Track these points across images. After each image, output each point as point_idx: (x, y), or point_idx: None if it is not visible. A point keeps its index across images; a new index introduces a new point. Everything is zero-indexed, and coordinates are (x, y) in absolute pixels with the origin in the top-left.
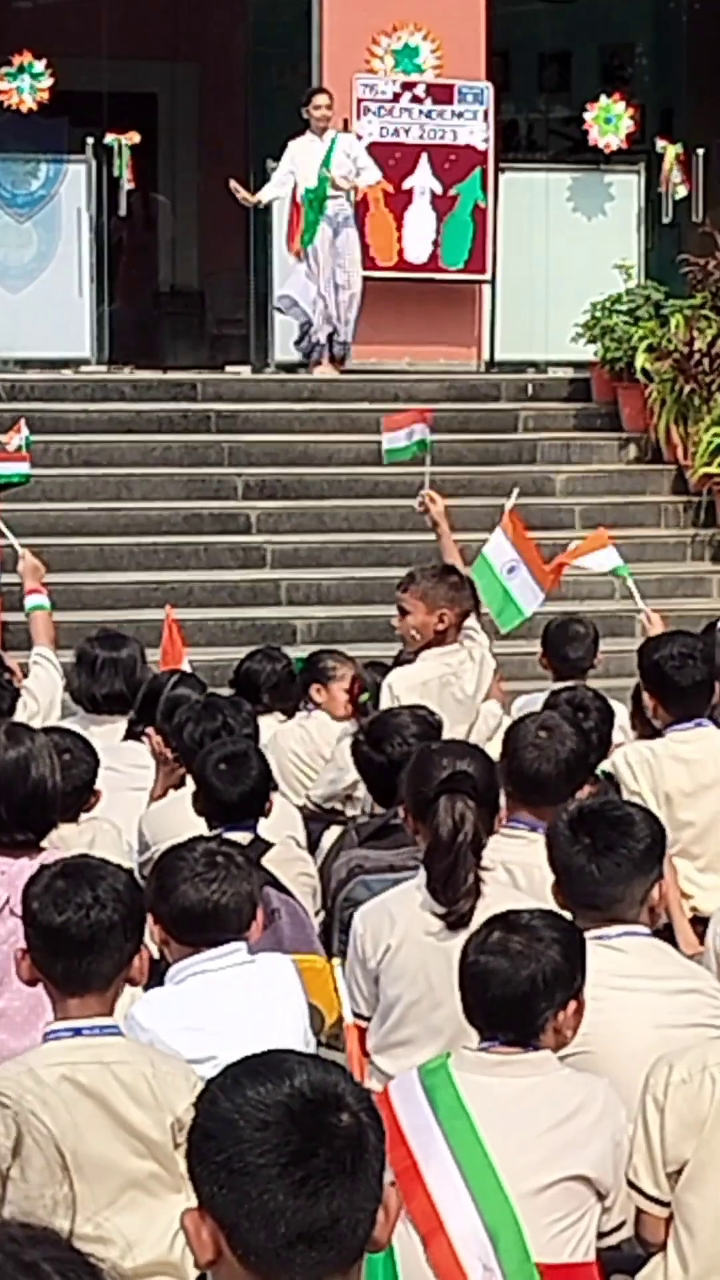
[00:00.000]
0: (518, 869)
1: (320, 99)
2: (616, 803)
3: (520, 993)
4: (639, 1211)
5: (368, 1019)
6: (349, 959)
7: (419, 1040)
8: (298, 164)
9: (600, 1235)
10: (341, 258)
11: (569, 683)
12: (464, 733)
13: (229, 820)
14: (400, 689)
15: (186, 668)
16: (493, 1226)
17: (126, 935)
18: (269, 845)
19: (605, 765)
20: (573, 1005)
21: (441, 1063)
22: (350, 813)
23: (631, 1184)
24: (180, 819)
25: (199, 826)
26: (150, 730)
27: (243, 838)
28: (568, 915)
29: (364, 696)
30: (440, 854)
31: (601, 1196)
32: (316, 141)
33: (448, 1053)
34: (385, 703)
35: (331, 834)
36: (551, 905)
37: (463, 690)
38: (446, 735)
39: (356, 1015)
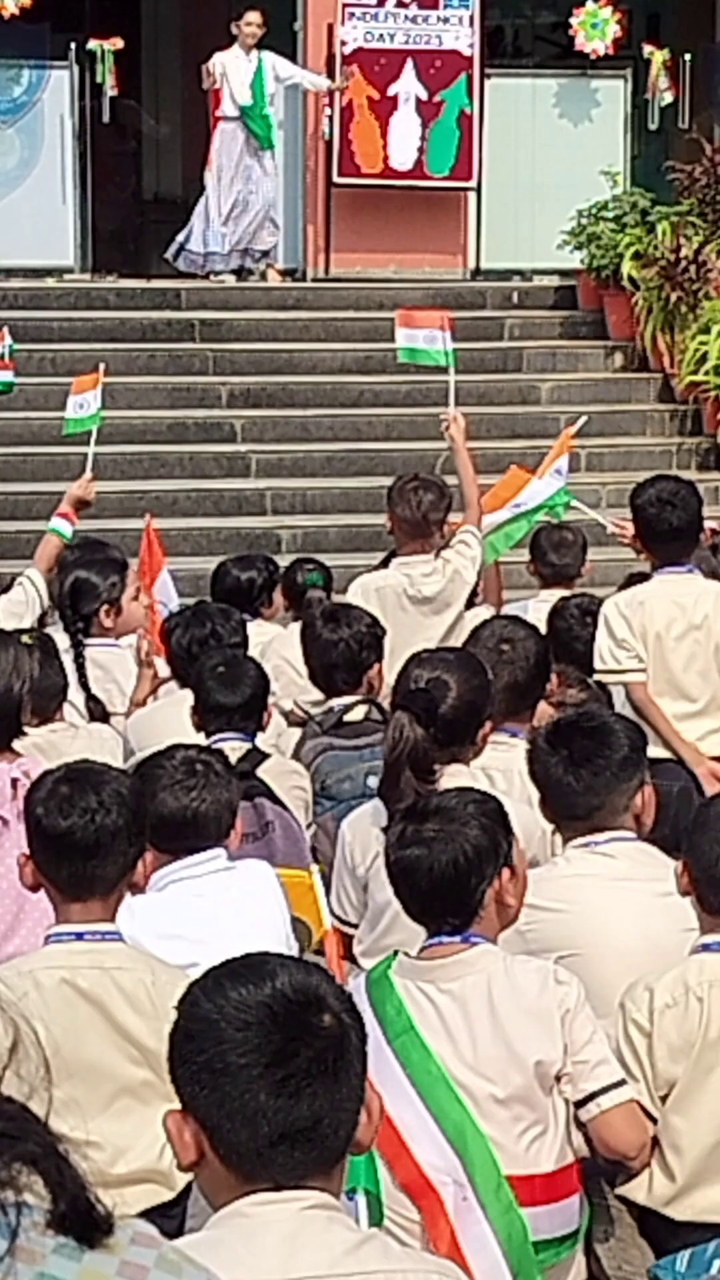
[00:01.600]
0: (498, 774)
1: (253, 15)
2: (593, 713)
3: (445, 877)
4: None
5: (352, 925)
6: (336, 865)
7: (409, 944)
8: (229, 76)
9: (591, 1098)
10: (251, 179)
11: (554, 592)
12: (432, 639)
13: (226, 728)
14: (354, 594)
15: (167, 579)
16: (456, 1140)
17: (130, 840)
18: (265, 756)
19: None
20: (506, 873)
21: (384, 969)
22: None
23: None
24: (167, 725)
25: (186, 732)
26: (141, 631)
27: (239, 748)
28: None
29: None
30: (386, 769)
31: (559, 1078)
32: (244, 59)
33: (393, 954)
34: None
35: (294, 733)
36: (529, 806)
37: (421, 597)
38: (400, 644)
39: (340, 921)
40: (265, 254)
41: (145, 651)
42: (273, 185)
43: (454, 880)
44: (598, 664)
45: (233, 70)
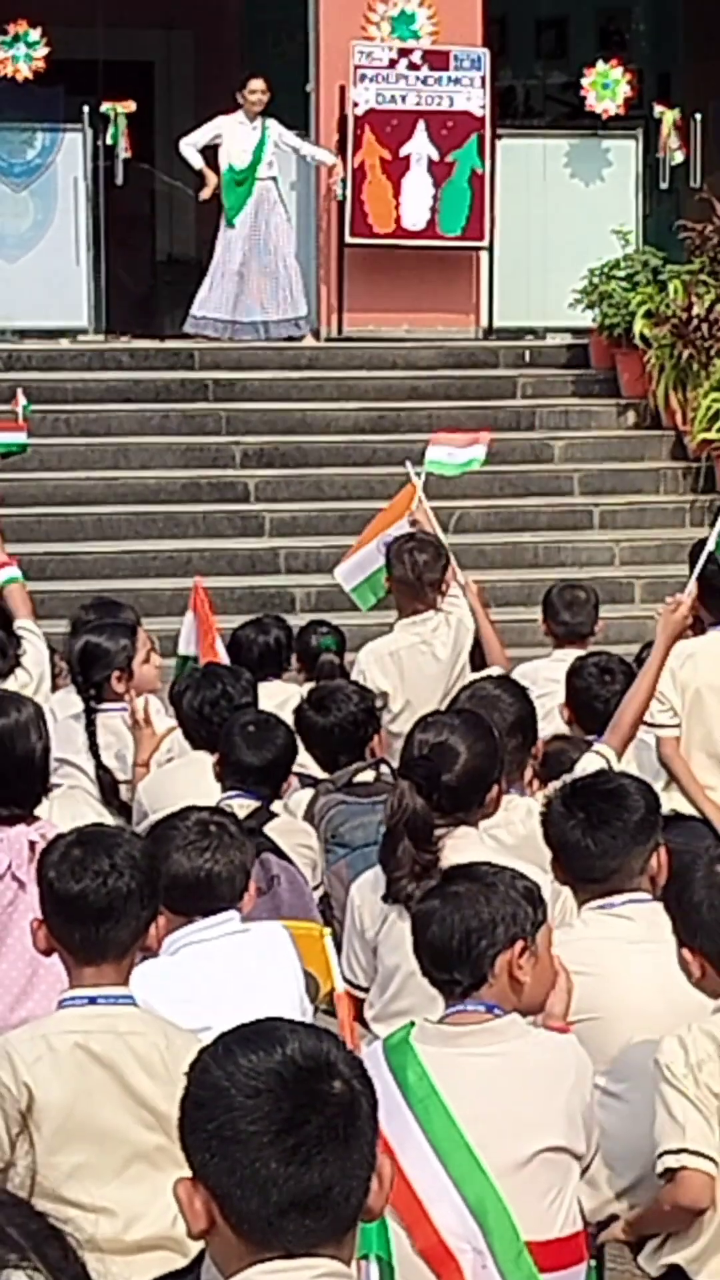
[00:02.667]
0: (501, 831)
1: (256, 84)
2: (609, 775)
3: (460, 930)
4: (678, 1177)
5: (363, 989)
6: (346, 929)
7: (418, 1009)
8: (225, 141)
9: (593, 1221)
10: (268, 241)
11: (567, 651)
12: (450, 691)
13: (241, 786)
14: (367, 661)
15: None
16: (477, 1208)
17: (143, 903)
18: (273, 814)
19: None
20: (520, 945)
21: (404, 1036)
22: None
23: (674, 1151)
24: (181, 787)
25: (200, 795)
26: (131, 695)
27: (247, 805)
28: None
29: (327, 655)
30: (385, 838)
31: (578, 1158)
32: (247, 125)
33: (410, 1023)
34: (355, 675)
35: (305, 794)
36: (538, 859)
37: (435, 656)
38: (423, 704)
39: (351, 985)
40: (208, 320)
41: (143, 712)
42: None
43: (466, 934)
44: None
45: (232, 135)
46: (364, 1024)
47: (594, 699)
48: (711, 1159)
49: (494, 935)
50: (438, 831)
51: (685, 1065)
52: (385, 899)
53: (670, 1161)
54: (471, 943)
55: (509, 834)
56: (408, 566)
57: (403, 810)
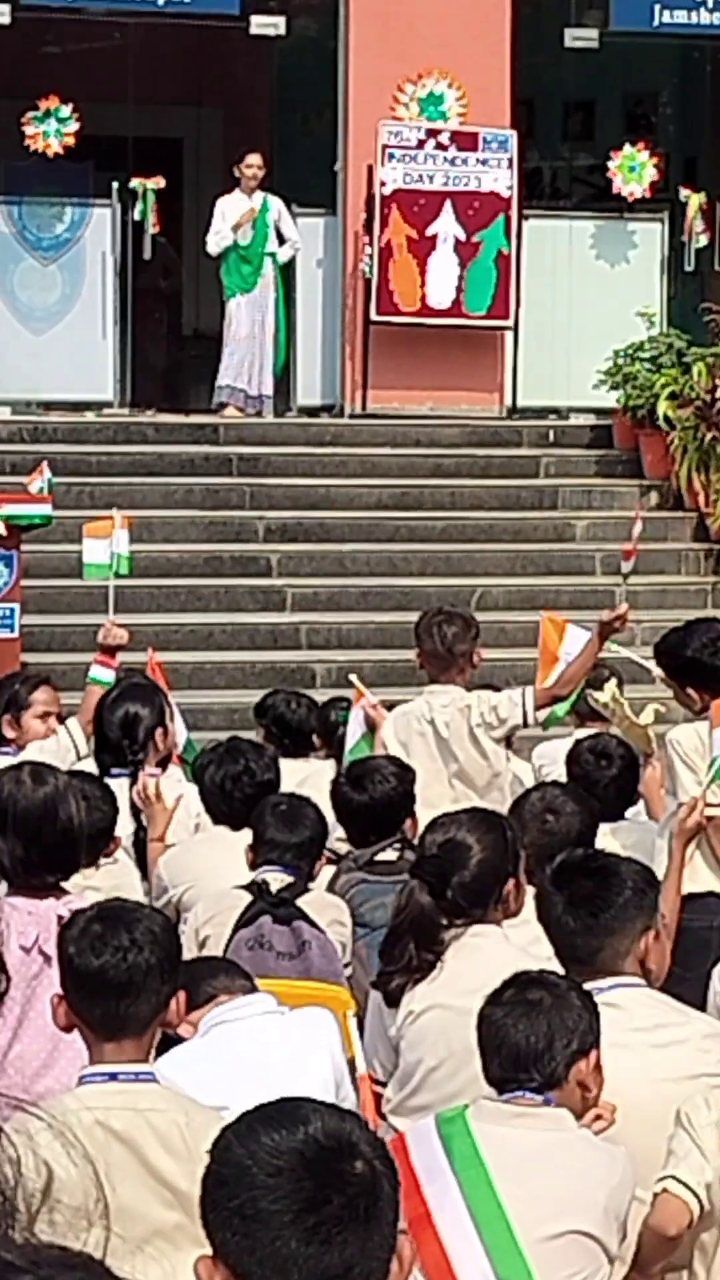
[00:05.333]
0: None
1: (253, 158)
2: (598, 854)
3: (541, 1034)
4: (657, 1200)
5: (381, 1083)
6: (368, 1023)
7: (437, 1106)
8: (227, 220)
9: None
10: (265, 314)
11: (592, 730)
12: (451, 775)
13: (277, 862)
14: (386, 724)
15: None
16: (505, 1278)
17: (163, 978)
18: (307, 889)
19: (670, 732)
20: (594, 1055)
21: (459, 1112)
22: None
23: (663, 1178)
24: (201, 862)
25: (221, 869)
26: (145, 770)
27: (282, 879)
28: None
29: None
30: (390, 933)
31: (608, 1255)
32: (246, 200)
33: (466, 1104)
34: (374, 745)
35: (327, 871)
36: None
37: (437, 729)
38: (430, 777)
39: (373, 1078)
40: (241, 392)
41: (155, 788)
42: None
43: (549, 1040)
44: (687, 795)
45: (233, 212)
46: (380, 1116)
47: (592, 784)
48: (695, 1194)
49: (573, 1044)
50: (453, 931)
51: (707, 1120)
52: (374, 985)
53: (656, 1187)
54: (554, 1049)
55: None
56: (436, 639)
57: (410, 909)
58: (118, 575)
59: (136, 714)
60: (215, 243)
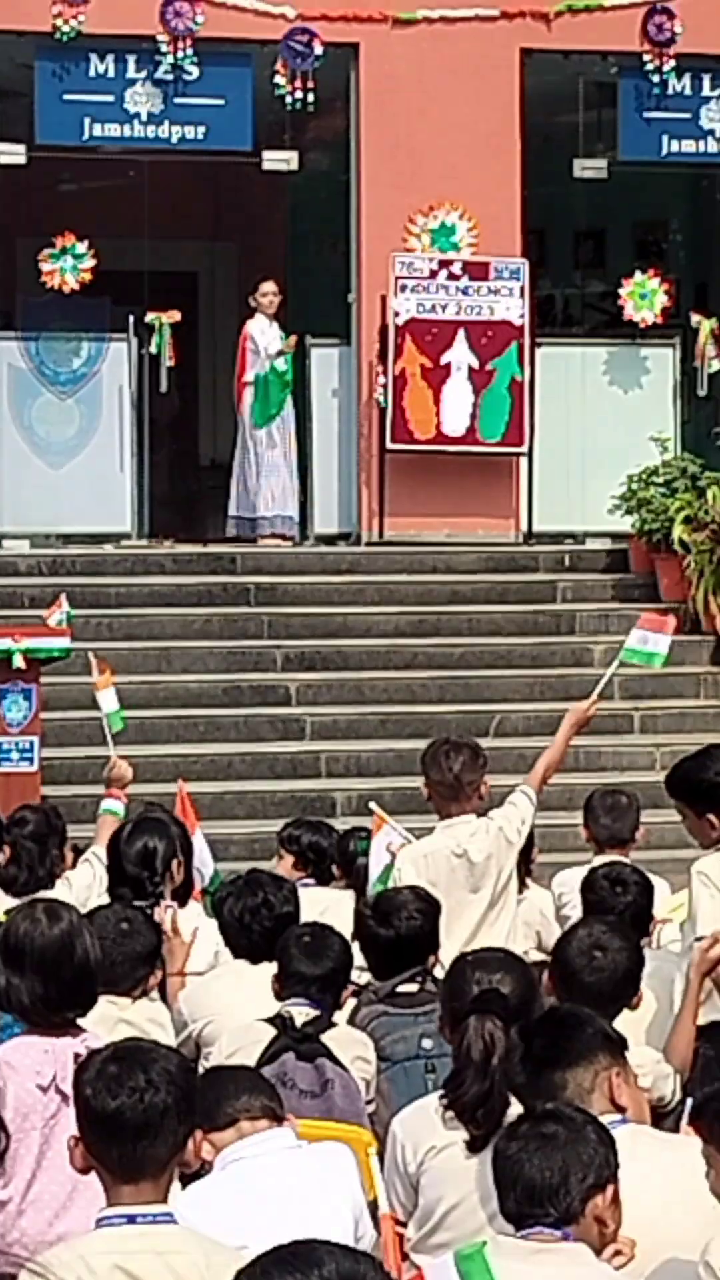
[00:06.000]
0: None
1: (268, 286)
2: (565, 1011)
3: (555, 1168)
4: None
5: (402, 1224)
6: (387, 1162)
7: (457, 1244)
8: (257, 343)
9: None
10: (288, 438)
11: (609, 857)
12: (482, 901)
13: (302, 995)
14: (403, 861)
15: (202, 842)
16: None
17: (180, 1119)
18: (332, 1024)
19: (698, 863)
20: (611, 1189)
21: (478, 1249)
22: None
23: None
24: (222, 996)
25: (241, 1003)
26: (164, 903)
27: (307, 1013)
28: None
29: (364, 859)
30: (471, 1077)
31: None
32: (268, 325)
33: (484, 1240)
34: (392, 877)
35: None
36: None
37: (470, 862)
38: (456, 911)
39: (395, 1218)
40: (289, 519)
41: (174, 921)
42: (282, 450)
43: (565, 1175)
44: (708, 928)
45: (262, 338)
46: (404, 1255)
47: (607, 910)
48: None
49: (589, 1178)
50: None
51: None
52: (472, 1142)
53: None
54: (570, 1184)
55: None
56: (444, 769)
57: (500, 1050)
58: (115, 734)
59: (154, 847)
60: (258, 369)
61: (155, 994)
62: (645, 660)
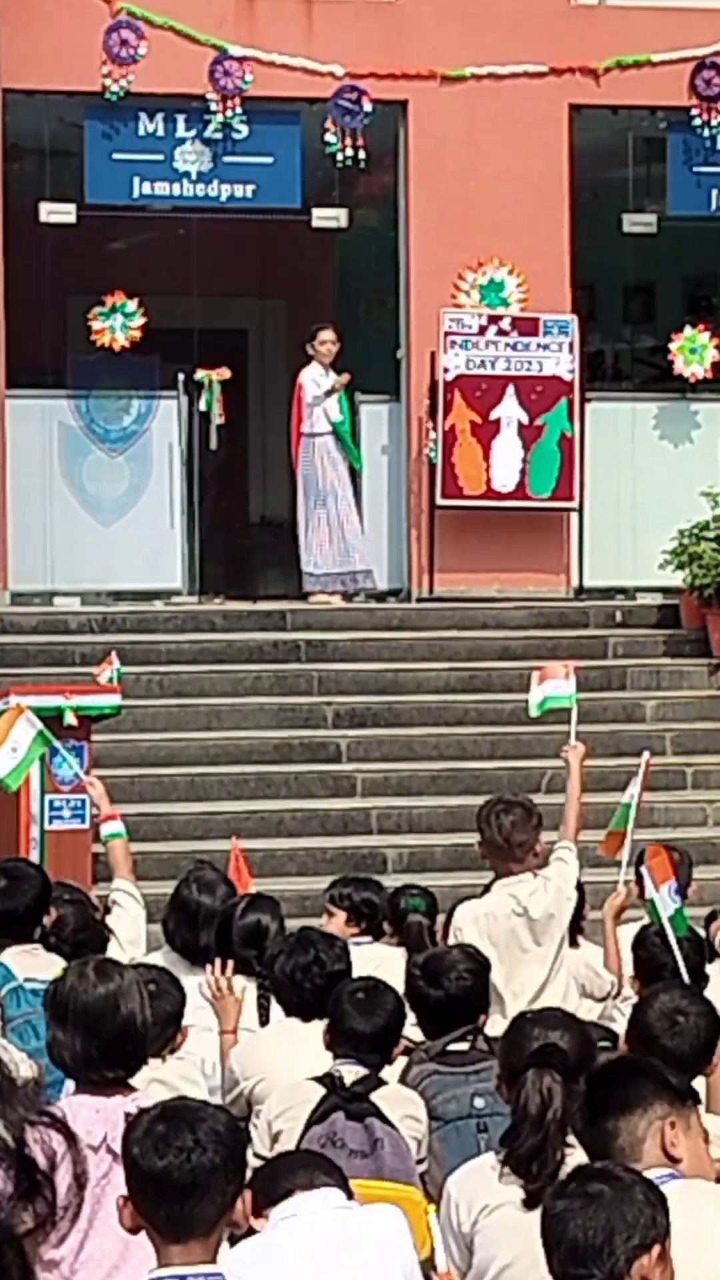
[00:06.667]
0: None
1: (326, 334)
2: (627, 1060)
3: (599, 1228)
4: None
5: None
6: (441, 1222)
7: None
8: (321, 388)
9: None
10: (343, 496)
11: None
12: (543, 959)
13: (353, 1054)
14: (463, 920)
15: None
16: None
17: (228, 1178)
18: (382, 1082)
19: None
20: (657, 1249)
21: None
22: None
23: None
24: (274, 1055)
25: (293, 1062)
26: (215, 963)
27: (356, 1072)
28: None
29: (415, 916)
30: (528, 1130)
31: None
32: (325, 376)
33: None
34: (451, 935)
35: (399, 1060)
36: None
37: (530, 919)
38: (516, 970)
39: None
40: (367, 573)
41: (228, 981)
42: (354, 503)
43: (607, 1238)
44: None
45: (317, 387)
46: None
47: (660, 968)
48: None
49: (634, 1238)
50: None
51: None
52: (528, 1198)
53: None
54: (614, 1244)
55: None
56: (495, 829)
57: (557, 1103)
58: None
59: (266, 926)
60: (314, 419)
61: (183, 1052)
62: (562, 703)
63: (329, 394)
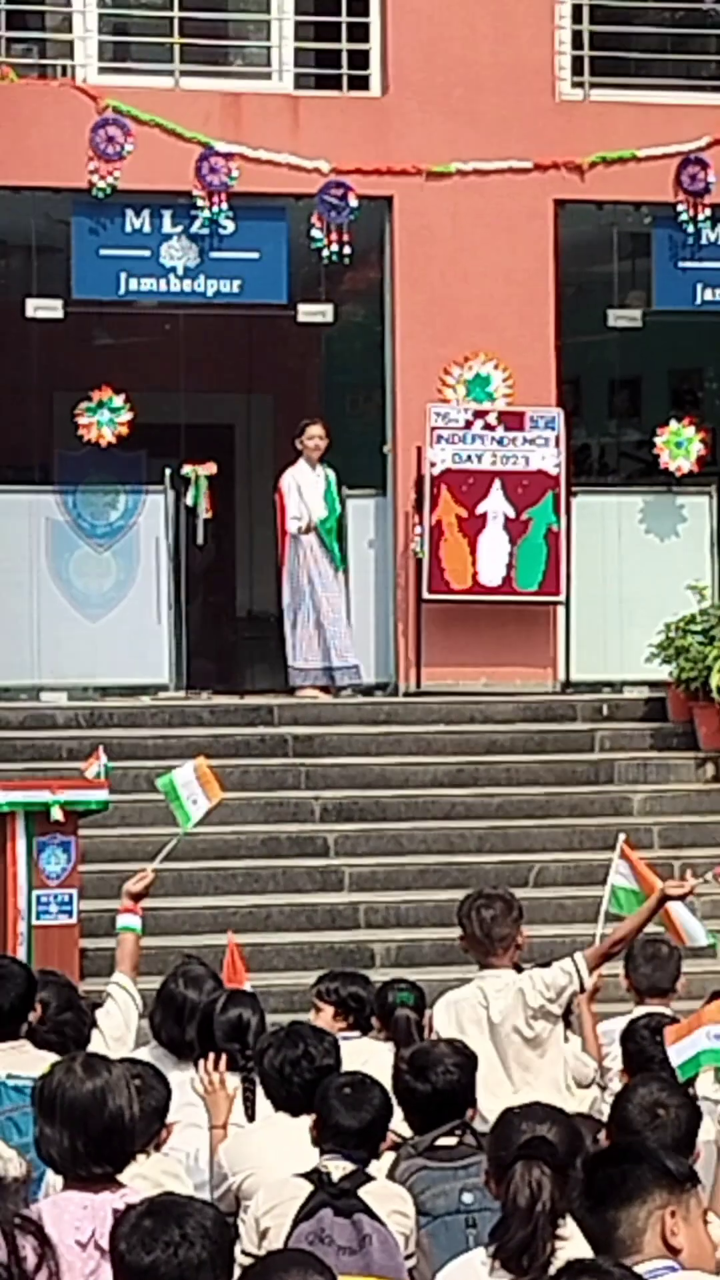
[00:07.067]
0: None
1: (314, 430)
2: (629, 1145)
3: None
4: None
5: None
6: None
7: None
8: (303, 492)
9: None
10: (329, 592)
11: (649, 1008)
12: (503, 1058)
13: (340, 1149)
14: (437, 1009)
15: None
16: None
17: (216, 1274)
18: (370, 1177)
19: None
20: None
21: None
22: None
23: None
24: (262, 1149)
25: (277, 1156)
26: (205, 1059)
27: (344, 1167)
28: None
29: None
30: (517, 1223)
31: None
32: (311, 472)
33: None
34: (428, 1025)
35: (387, 1156)
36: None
37: (489, 1016)
38: (487, 1062)
39: None
40: (353, 668)
41: (220, 1075)
42: (343, 598)
43: None
44: None
45: (305, 485)
46: None
47: (647, 1060)
48: None
49: None
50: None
51: None
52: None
53: None
54: None
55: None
56: (475, 923)
57: (545, 1196)
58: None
59: (248, 1020)
60: (296, 525)
61: (167, 1148)
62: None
63: (303, 532)
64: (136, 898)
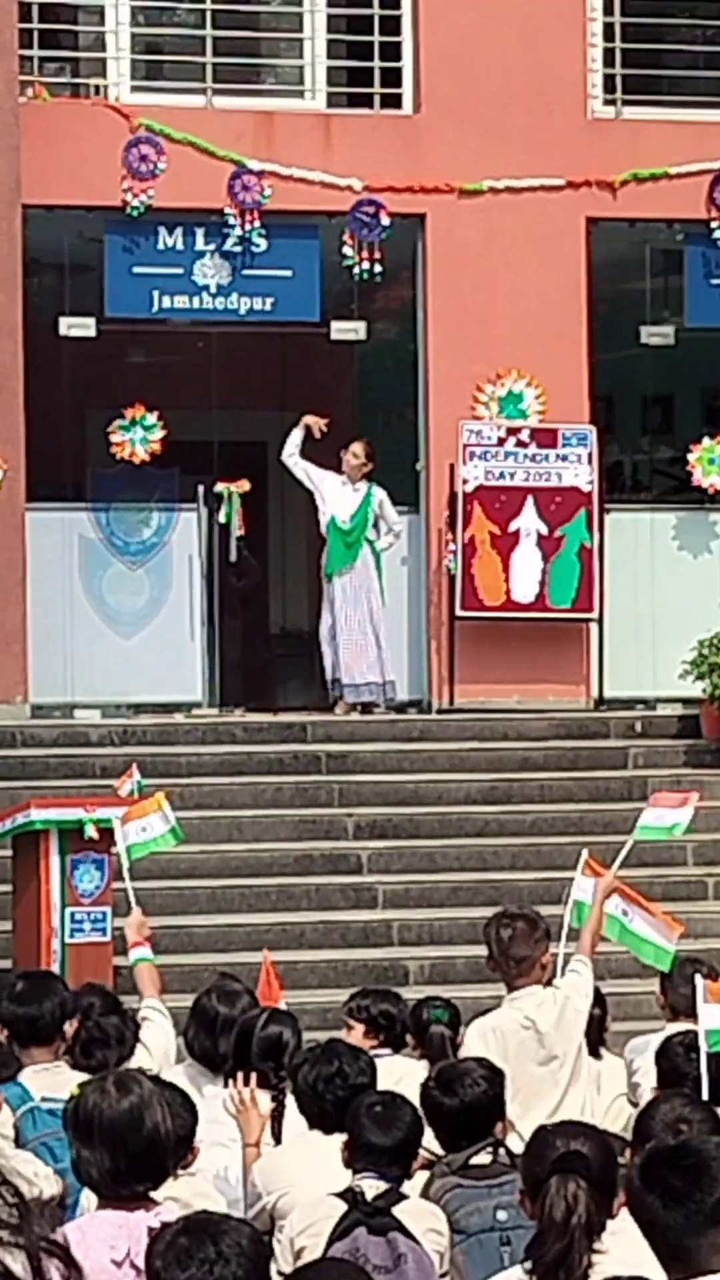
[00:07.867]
0: None
1: (357, 447)
2: (691, 1148)
3: None
4: None
5: None
6: None
7: None
8: (326, 493)
9: None
10: (371, 598)
11: (683, 1025)
12: (556, 1072)
13: (372, 1168)
14: (471, 1036)
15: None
16: None
17: None
18: (403, 1195)
19: None
20: None
21: None
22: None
23: None
24: (295, 1167)
25: (315, 1174)
26: (238, 1076)
27: (378, 1186)
28: None
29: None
30: (553, 1236)
31: None
32: (348, 486)
33: None
34: (463, 1050)
35: (421, 1175)
36: None
37: (538, 1033)
38: (528, 1085)
39: None
40: (389, 684)
41: (251, 1093)
42: (376, 614)
43: None
44: None
45: (335, 495)
46: None
47: (681, 1076)
48: None
49: None
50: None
51: None
52: None
53: None
54: None
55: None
56: (495, 943)
57: (581, 1209)
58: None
59: (287, 1040)
60: (289, 456)
61: (194, 1168)
62: (664, 834)
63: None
64: (141, 931)
